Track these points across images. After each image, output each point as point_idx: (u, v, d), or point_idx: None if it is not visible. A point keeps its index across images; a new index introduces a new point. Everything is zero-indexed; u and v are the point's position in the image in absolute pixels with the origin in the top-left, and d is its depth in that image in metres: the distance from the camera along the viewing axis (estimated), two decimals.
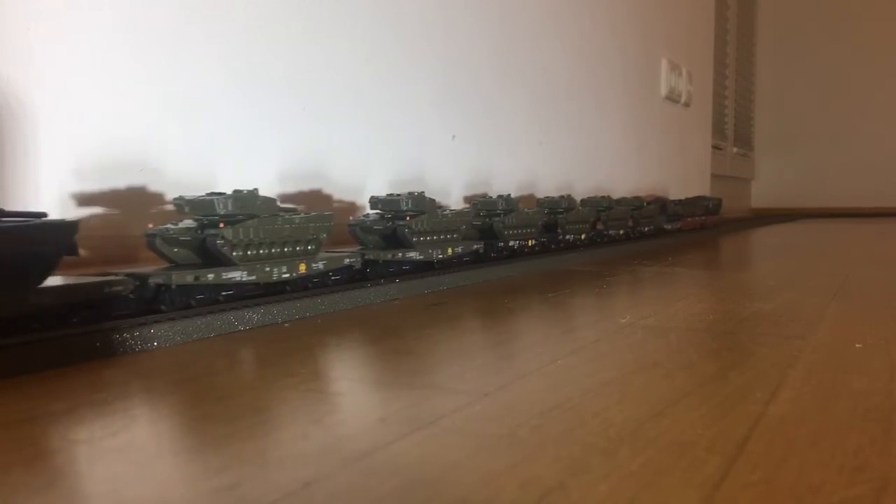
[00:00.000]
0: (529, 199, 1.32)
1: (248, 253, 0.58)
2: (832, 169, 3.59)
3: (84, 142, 0.65)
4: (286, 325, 0.56)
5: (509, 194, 1.01)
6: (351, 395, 0.36)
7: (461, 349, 0.47)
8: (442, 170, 1.15)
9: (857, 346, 0.47)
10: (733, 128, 3.33)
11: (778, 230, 2.15)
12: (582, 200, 1.26)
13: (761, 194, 3.83)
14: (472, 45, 1.23)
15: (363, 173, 0.98)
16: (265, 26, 0.83)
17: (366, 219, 0.79)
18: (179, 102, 0.74)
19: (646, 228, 1.47)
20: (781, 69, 3.69)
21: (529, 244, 0.99)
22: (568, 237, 1.12)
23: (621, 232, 1.33)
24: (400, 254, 0.74)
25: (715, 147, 2.92)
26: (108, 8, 0.67)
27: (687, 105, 2.41)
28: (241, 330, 0.53)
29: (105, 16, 0.67)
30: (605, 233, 1.28)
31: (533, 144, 1.45)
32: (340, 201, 0.94)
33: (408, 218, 0.78)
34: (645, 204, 1.51)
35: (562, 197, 1.14)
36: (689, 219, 1.74)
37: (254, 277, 0.57)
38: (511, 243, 0.94)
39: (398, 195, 0.79)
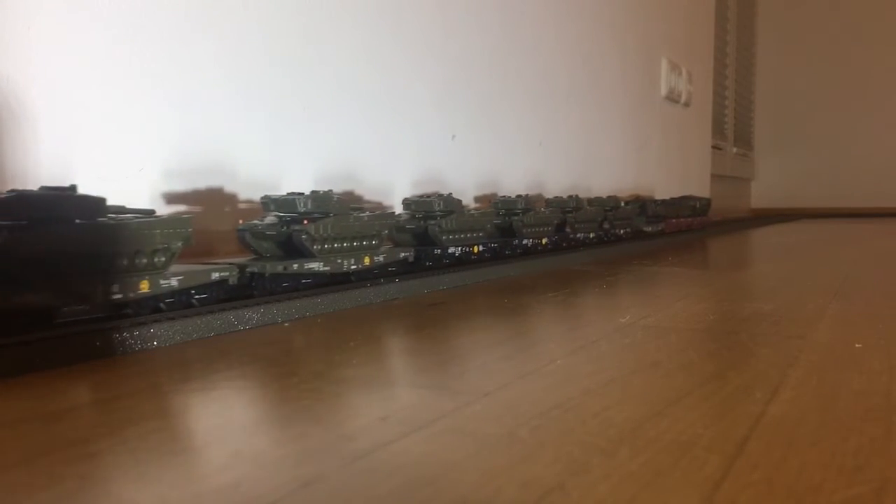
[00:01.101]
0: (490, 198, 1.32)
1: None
2: (832, 169, 3.59)
3: (84, 142, 0.65)
4: (286, 324, 0.56)
5: (450, 193, 0.89)
6: (351, 395, 0.36)
7: (461, 349, 0.47)
8: (441, 170, 1.15)
9: (856, 345, 0.47)
10: (733, 128, 3.33)
11: (777, 230, 2.15)
12: (547, 200, 1.18)
13: (761, 194, 3.83)
14: (472, 45, 1.23)
15: (363, 173, 0.98)
16: (265, 26, 0.83)
17: (259, 222, 0.67)
18: (180, 101, 0.74)
19: (621, 231, 1.35)
20: (781, 69, 3.68)
21: (476, 250, 0.89)
22: (525, 242, 1.01)
23: (591, 235, 1.21)
24: (295, 265, 0.62)
25: (715, 147, 2.91)
26: (108, 7, 0.67)
27: (687, 105, 2.41)
28: (240, 329, 0.53)
29: (105, 15, 0.67)
30: (572, 237, 1.15)
31: (533, 144, 1.45)
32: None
33: (306, 222, 0.65)
34: (623, 204, 1.40)
35: (518, 197, 1.03)
36: (674, 220, 1.63)
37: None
38: (452, 250, 0.84)
39: (296, 194, 0.67)
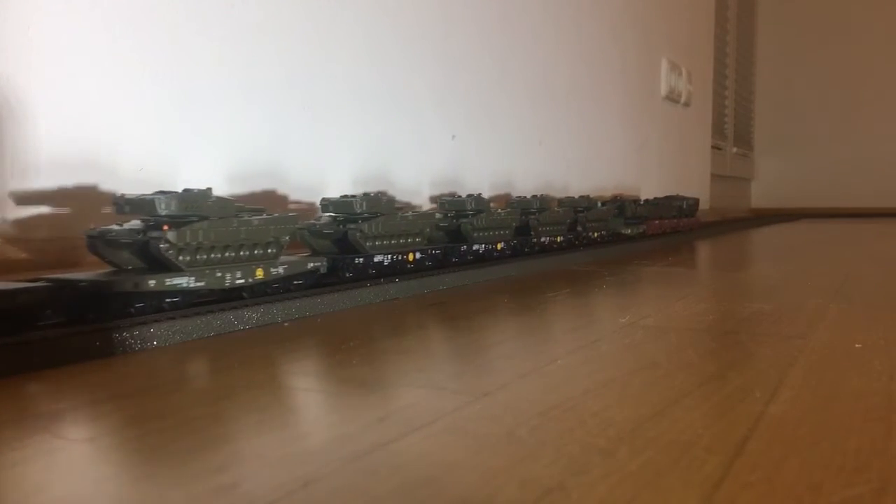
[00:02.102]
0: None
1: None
2: (832, 169, 3.59)
3: (84, 141, 0.65)
4: (286, 324, 0.56)
5: (379, 192, 0.75)
6: (350, 395, 0.36)
7: (461, 349, 0.47)
8: (441, 170, 1.15)
9: (856, 346, 0.47)
10: (733, 128, 3.33)
11: (776, 231, 2.15)
12: (508, 202, 1.07)
13: (761, 194, 3.83)
14: (472, 45, 1.23)
15: (363, 173, 0.98)
16: (265, 26, 0.83)
17: (113, 228, 0.54)
18: (180, 101, 0.74)
19: (595, 234, 1.22)
20: (781, 69, 3.68)
21: (411, 259, 0.76)
22: (476, 248, 0.88)
23: (558, 239, 1.08)
24: (152, 281, 0.50)
25: (715, 147, 2.92)
26: (108, 6, 0.67)
27: (687, 105, 2.41)
28: (240, 329, 0.53)
29: (105, 14, 0.67)
30: (535, 241, 1.02)
31: (532, 144, 1.45)
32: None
33: (165, 228, 0.52)
34: (599, 204, 1.29)
35: (469, 196, 0.91)
36: (657, 221, 1.51)
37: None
38: (379, 258, 0.71)
39: (154, 195, 0.53)
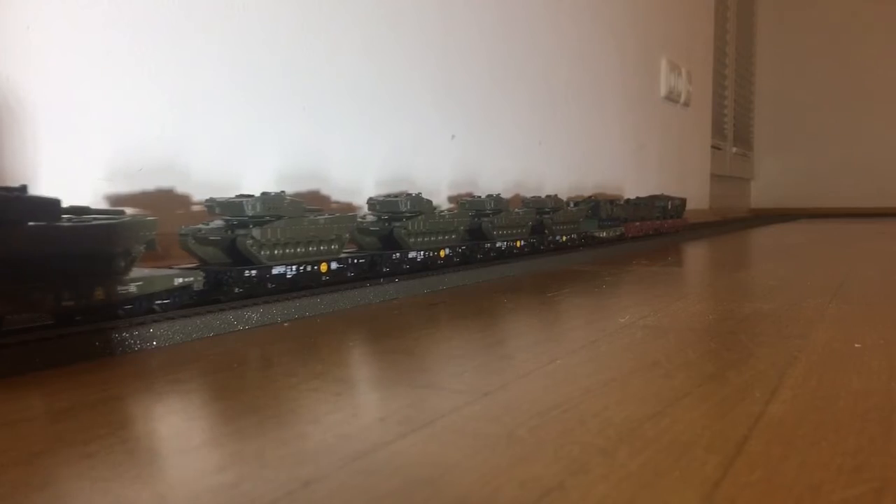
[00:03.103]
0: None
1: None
2: (832, 169, 3.59)
3: (84, 140, 0.65)
4: (286, 324, 0.56)
5: (279, 192, 0.62)
6: (350, 395, 0.36)
7: (460, 348, 0.47)
8: (441, 169, 1.15)
9: (856, 345, 0.47)
10: (733, 128, 3.33)
11: (775, 231, 2.15)
12: (461, 202, 0.97)
13: (761, 194, 3.83)
14: (472, 45, 1.23)
15: (362, 173, 0.98)
16: (265, 26, 0.83)
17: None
18: (181, 100, 0.74)
19: (563, 238, 1.09)
20: (781, 69, 3.69)
21: (325, 269, 0.64)
22: (412, 256, 0.77)
23: (518, 244, 0.96)
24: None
25: (714, 147, 2.92)
26: (108, 5, 0.67)
27: (686, 105, 2.41)
28: (240, 329, 0.53)
29: (104, 14, 0.67)
30: (489, 246, 0.90)
31: (532, 144, 1.45)
32: (337, 202, 0.94)
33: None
34: (572, 205, 1.20)
35: (406, 195, 0.80)
36: (637, 223, 1.41)
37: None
38: (281, 270, 0.60)
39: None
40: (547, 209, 1.09)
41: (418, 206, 0.80)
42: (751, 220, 2.87)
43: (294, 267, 0.62)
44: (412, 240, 0.78)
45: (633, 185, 1.93)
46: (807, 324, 0.55)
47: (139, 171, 0.70)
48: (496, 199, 0.94)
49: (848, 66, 3.53)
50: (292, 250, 0.62)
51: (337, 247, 0.67)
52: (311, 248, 0.64)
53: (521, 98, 1.40)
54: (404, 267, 0.76)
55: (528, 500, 0.24)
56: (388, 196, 0.80)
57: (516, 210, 1.00)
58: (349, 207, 0.95)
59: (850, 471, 0.26)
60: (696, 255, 1.28)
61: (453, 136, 1.18)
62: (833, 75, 3.56)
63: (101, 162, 0.67)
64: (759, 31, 3.72)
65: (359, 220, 0.77)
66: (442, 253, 0.81)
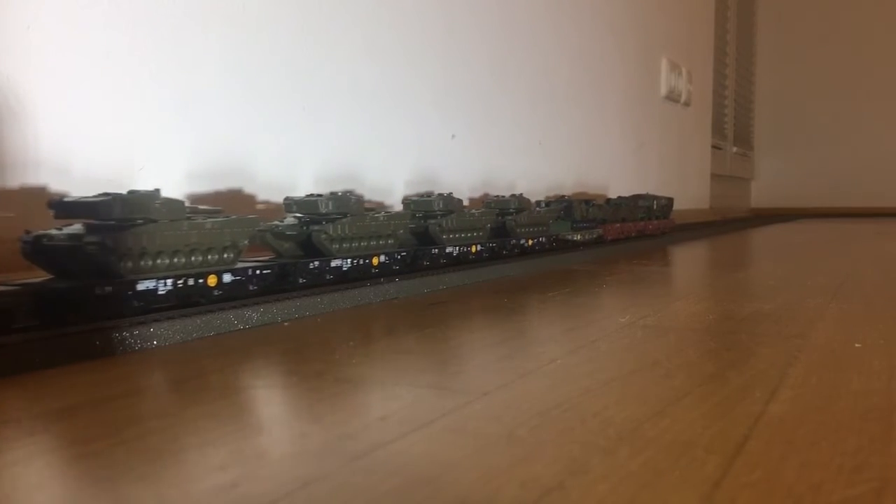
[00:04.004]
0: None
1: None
2: (832, 169, 3.59)
3: (84, 140, 0.65)
4: (286, 324, 0.56)
5: (153, 190, 0.54)
6: (351, 394, 0.36)
7: (461, 348, 0.47)
8: (441, 169, 1.15)
9: (856, 345, 0.47)
10: (733, 128, 3.33)
11: (775, 231, 2.15)
12: (405, 201, 0.87)
13: (761, 194, 3.83)
14: (472, 44, 1.23)
15: (362, 172, 0.98)
16: (265, 25, 0.83)
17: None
18: (181, 100, 0.74)
19: (529, 242, 0.99)
20: (781, 69, 3.69)
21: (213, 282, 0.54)
22: (338, 264, 0.66)
23: (473, 249, 0.86)
24: None
25: (715, 147, 2.92)
26: (108, 5, 0.67)
27: (687, 105, 2.41)
28: (240, 329, 0.53)
29: (105, 13, 0.67)
30: (437, 253, 0.80)
31: (532, 144, 1.45)
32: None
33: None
34: (544, 205, 1.11)
35: (333, 195, 0.69)
36: (617, 225, 1.30)
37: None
38: (148, 285, 0.49)
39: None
40: (510, 210, 0.98)
41: (344, 206, 0.68)
42: (751, 219, 2.87)
43: (170, 281, 0.51)
44: (336, 246, 0.67)
45: (633, 185, 1.93)
46: (807, 324, 0.55)
47: (139, 171, 0.70)
48: (446, 199, 0.84)
49: (848, 66, 3.53)
50: (169, 260, 0.52)
51: (232, 255, 0.57)
52: (193, 259, 0.54)
53: (521, 97, 1.40)
54: (327, 277, 0.65)
55: (529, 500, 0.24)
56: (309, 195, 0.69)
57: (472, 211, 0.89)
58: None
59: (851, 471, 0.26)
60: (694, 255, 1.28)
61: (453, 136, 1.18)
62: (833, 75, 3.56)
63: (102, 162, 0.67)
64: (760, 31, 3.72)
65: (276, 222, 0.67)
66: (375, 260, 0.71)
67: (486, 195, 1.22)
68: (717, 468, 0.26)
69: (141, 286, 0.49)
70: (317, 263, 0.65)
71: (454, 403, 0.34)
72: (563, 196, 1.26)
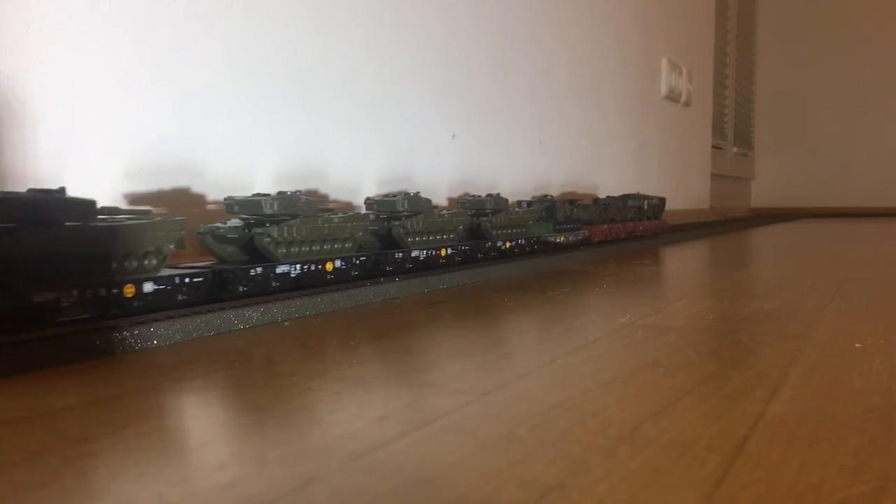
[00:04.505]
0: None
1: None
2: (832, 169, 3.59)
3: (84, 140, 0.65)
4: (286, 323, 0.56)
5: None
6: (351, 394, 0.36)
7: (461, 348, 0.47)
8: (441, 169, 1.15)
9: (856, 345, 0.47)
10: (733, 127, 3.33)
11: (775, 231, 2.15)
12: (367, 201, 0.80)
13: (761, 194, 3.83)
14: (472, 44, 1.23)
15: (361, 172, 0.98)
16: (266, 25, 0.83)
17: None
18: (182, 100, 0.74)
19: (506, 244, 0.93)
20: (781, 69, 3.68)
21: (130, 292, 0.48)
22: (283, 270, 0.61)
23: (443, 253, 0.80)
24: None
25: (715, 147, 2.92)
26: (108, 4, 0.67)
27: (687, 105, 2.41)
28: (240, 328, 0.53)
29: (106, 13, 0.67)
30: (404, 257, 0.74)
31: (533, 144, 1.45)
32: (336, 200, 0.94)
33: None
34: (526, 205, 1.06)
35: (266, 196, 0.62)
36: (604, 226, 1.25)
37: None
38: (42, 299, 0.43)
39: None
40: (486, 210, 0.93)
41: (292, 206, 0.63)
42: (751, 219, 2.86)
43: (75, 292, 0.45)
44: (282, 250, 0.62)
45: (633, 185, 1.93)
46: (807, 323, 0.55)
47: (139, 171, 0.70)
48: (412, 199, 0.78)
49: (848, 66, 3.53)
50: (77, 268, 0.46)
51: (155, 262, 0.51)
52: (116, 265, 0.48)
53: (521, 97, 1.40)
54: (273, 285, 0.60)
55: (529, 500, 0.24)
56: (256, 195, 0.63)
57: (441, 212, 0.83)
58: (349, 206, 0.95)
59: (851, 470, 0.26)
60: (694, 256, 1.27)
61: (454, 136, 1.18)
62: (833, 75, 3.56)
63: (102, 161, 0.67)
64: (760, 31, 3.72)
65: (217, 224, 0.62)
66: (329, 266, 0.65)
67: (465, 194, 1.20)
68: (717, 468, 0.26)
69: (39, 298, 0.43)
70: (259, 270, 0.58)
71: (454, 403, 0.34)
72: (547, 196, 1.20)
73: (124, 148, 0.69)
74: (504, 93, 1.34)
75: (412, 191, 0.81)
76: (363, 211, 0.82)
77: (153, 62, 0.71)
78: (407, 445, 0.29)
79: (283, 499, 0.24)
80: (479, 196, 0.95)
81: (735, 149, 3.38)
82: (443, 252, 0.80)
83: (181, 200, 0.74)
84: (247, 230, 0.61)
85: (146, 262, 0.50)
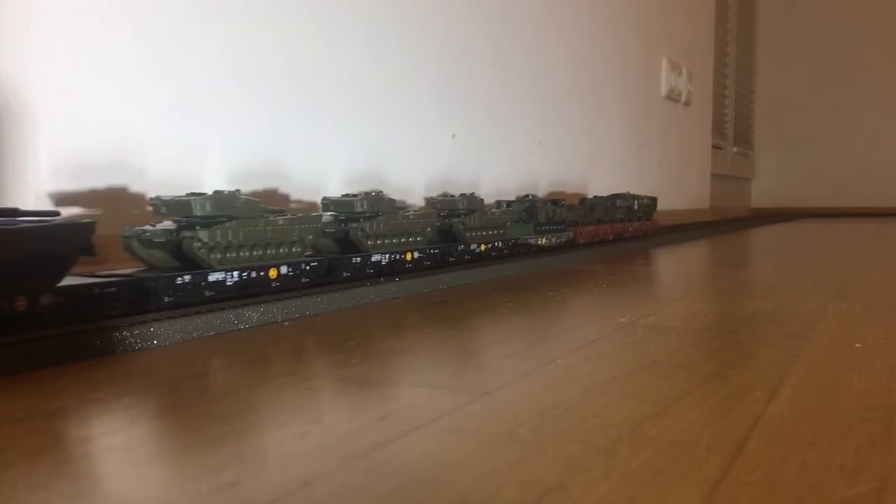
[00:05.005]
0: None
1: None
2: (832, 169, 3.59)
3: (84, 140, 0.65)
4: (286, 323, 0.56)
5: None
6: (351, 394, 0.36)
7: (461, 348, 0.47)
8: (441, 169, 1.15)
9: (856, 345, 0.47)
10: (733, 127, 3.33)
11: (775, 231, 2.15)
12: (324, 202, 0.73)
13: (761, 194, 3.83)
14: (472, 44, 1.23)
15: (363, 172, 0.98)
16: (266, 25, 0.83)
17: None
18: (181, 100, 0.74)
19: (481, 247, 0.88)
20: (781, 69, 3.68)
21: (21, 304, 0.42)
22: (220, 278, 0.55)
23: (409, 257, 0.75)
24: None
25: (715, 147, 2.92)
26: (109, 4, 0.67)
27: (687, 105, 2.41)
28: (241, 328, 0.53)
29: (106, 13, 0.66)
30: (363, 262, 0.69)
31: (533, 144, 1.45)
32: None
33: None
34: (505, 205, 1.01)
35: (198, 197, 0.57)
36: (591, 227, 1.19)
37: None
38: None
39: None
40: (459, 211, 0.87)
41: (226, 208, 0.57)
42: (751, 219, 2.86)
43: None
44: (217, 256, 0.55)
45: (633, 185, 1.93)
46: (807, 323, 0.55)
47: (139, 171, 0.70)
48: (372, 199, 0.72)
49: (848, 66, 3.53)
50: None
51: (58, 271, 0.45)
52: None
53: (521, 97, 1.40)
54: (206, 294, 0.54)
55: (529, 500, 0.24)
56: (189, 194, 0.58)
57: (407, 213, 0.77)
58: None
59: (851, 470, 0.26)
60: (691, 258, 1.27)
61: (454, 136, 1.18)
62: (833, 75, 3.56)
63: (103, 161, 0.67)
64: (760, 31, 3.72)
65: (145, 227, 0.55)
66: (273, 273, 0.59)
67: (444, 193, 1.16)
68: (717, 468, 0.26)
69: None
70: (188, 278, 0.52)
71: (454, 403, 0.34)
72: (528, 195, 1.13)
73: (124, 147, 0.69)
74: (504, 93, 1.34)
75: (375, 190, 0.74)
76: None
77: (153, 61, 0.71)
78: (407, 445, 0.29)
79: (282, 499, 0.24)
80: (453, 196, 0.89)
81: (735, 149, 3.38)
82: (408, 256, 0.74)
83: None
84: (175, 234, 0.55)
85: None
